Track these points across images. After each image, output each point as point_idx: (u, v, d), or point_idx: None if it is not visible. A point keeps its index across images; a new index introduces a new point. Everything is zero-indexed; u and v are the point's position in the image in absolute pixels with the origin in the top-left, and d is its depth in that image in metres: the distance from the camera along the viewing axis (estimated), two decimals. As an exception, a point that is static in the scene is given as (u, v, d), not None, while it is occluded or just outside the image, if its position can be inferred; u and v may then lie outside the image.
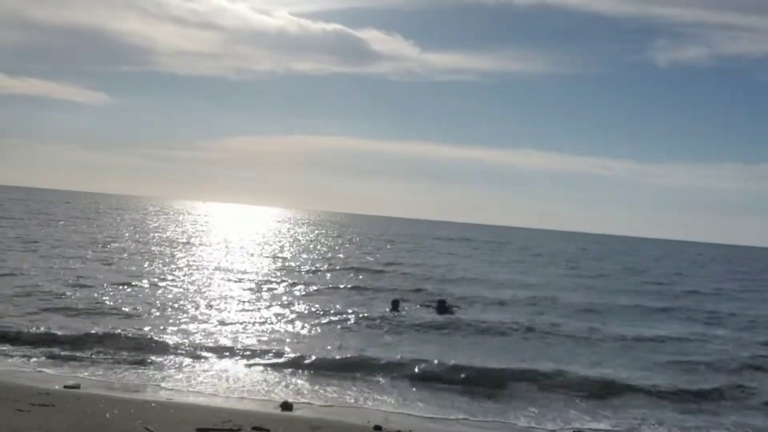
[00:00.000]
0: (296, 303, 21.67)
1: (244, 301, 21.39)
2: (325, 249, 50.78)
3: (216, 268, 30.68)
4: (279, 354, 14.55)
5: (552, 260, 58.18)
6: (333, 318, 19.26)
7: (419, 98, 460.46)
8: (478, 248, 70.35)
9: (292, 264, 35.66)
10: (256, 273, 30.04)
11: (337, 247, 53.47)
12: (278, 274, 30.21)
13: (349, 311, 20.34)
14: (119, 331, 15.60)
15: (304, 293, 24.26)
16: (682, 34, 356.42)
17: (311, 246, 54.40)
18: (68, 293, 19.98)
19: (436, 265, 40.54)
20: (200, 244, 46.19)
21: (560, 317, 22.12)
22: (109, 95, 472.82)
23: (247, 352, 14.55)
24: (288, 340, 16.11)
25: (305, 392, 11.89)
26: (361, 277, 31.03)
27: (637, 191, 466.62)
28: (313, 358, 14.26)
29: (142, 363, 13.16)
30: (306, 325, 18.03)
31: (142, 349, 14.21)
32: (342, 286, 26.68)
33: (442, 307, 20.69)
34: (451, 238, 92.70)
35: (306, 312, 20.00)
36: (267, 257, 39.69)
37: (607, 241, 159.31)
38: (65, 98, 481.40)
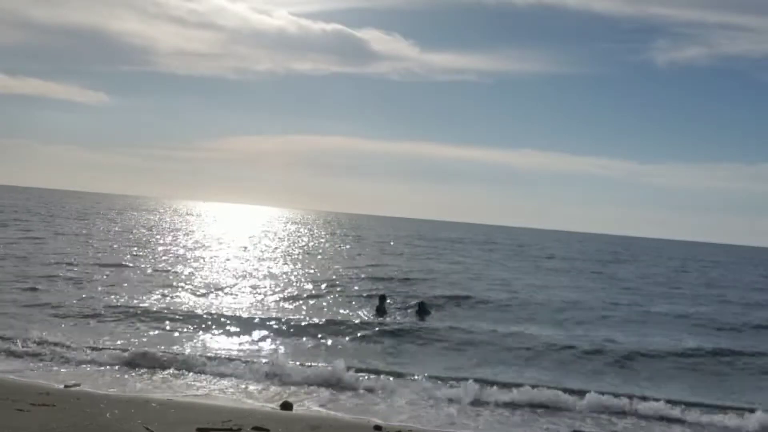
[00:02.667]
0: (307, 304, 21.77)
1: (251, 300, 21.48)
2: (344, 252, 48.23)
3: (229, 268, 30.91)
4: (280, 353, 14.58)
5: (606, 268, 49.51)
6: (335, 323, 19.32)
7: (419, 98, 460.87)
8: (494, 251, 66.28)
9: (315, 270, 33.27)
10: (275, 274, 30.12)
11: (360, 252, 49.16)
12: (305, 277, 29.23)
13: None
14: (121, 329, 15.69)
15: (312, 295, 24.15)
16: (681, 34, 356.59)
17: (329, 248, 51.72)
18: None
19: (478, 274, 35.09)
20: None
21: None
22: (109, 95, 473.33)
23: (248, 351, 14.58)
24: (291, 339, 16.19)
25: (305, 391, 11.89)
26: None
27: (637, 191, 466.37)
28: (313, 357, 14.29)
29: (143, 363, 13.17)
30: (308, 324, 18.11)
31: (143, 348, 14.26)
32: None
33: (423, 310, 20.87)
34: (460, 239, 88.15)
35: (309, 311, 20.08)
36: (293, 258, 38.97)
37: (611, 242, 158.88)
38: (65, 98, 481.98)
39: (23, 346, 13.43)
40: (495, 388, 12.27)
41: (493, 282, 31.03)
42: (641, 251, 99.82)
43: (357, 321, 18.61)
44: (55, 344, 13.68)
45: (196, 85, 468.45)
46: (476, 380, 12.41)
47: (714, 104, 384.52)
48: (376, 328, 17.73)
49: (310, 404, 11.08)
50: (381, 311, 20.38)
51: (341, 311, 20.51)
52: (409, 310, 21.04)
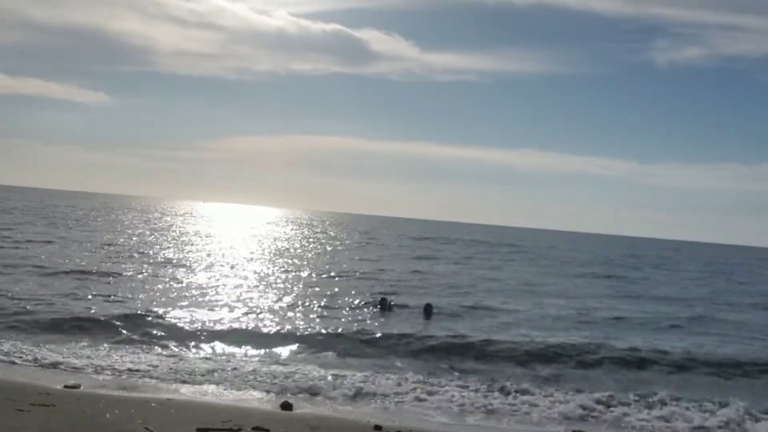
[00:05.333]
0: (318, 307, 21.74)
1: (255, 302, 21.46)
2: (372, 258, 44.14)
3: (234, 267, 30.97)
4: (280, 353, 14.60)
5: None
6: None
7: (419, 98, 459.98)
8: (520, 252, 64.00)
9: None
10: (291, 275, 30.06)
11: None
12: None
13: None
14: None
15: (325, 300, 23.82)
16: (681, 34, 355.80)
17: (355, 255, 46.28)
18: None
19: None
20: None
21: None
22: (109, 95, 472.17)
23: (248, 351, 14.59)
24: (293, 339, 16.21)
25: (305, 391, 11.89)
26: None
27: (637, 191, 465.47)
28: (314, 357, 14.31)
29: (141, 362, 13.17)
30: (311, 323, 18.12)
31: (142, 348, 14.28)
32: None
33: (428, 311, 21.00)
34: (475, 241, 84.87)
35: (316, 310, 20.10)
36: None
37: (614, 242, 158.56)
38: (65, 98, 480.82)
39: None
40: None
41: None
42: (662, 255, 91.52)
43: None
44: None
45: (196, 85, 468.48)
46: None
47: (714, 104, 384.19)
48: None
49: (310, 404, 11.09)
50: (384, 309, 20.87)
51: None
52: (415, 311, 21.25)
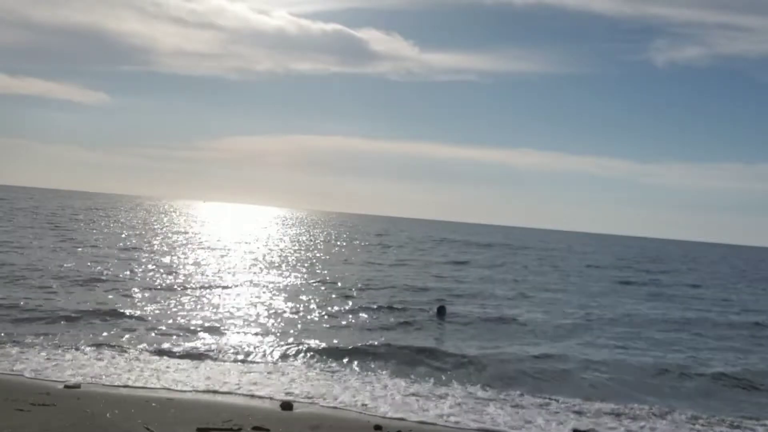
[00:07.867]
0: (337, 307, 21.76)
1: (267, 303, 21.46)
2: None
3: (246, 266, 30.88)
4: (281, 353, 14.59)
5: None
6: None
7: (419, 98, 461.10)
8: (540, 256, 60.73)
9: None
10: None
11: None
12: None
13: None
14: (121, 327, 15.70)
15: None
16: (680, 34, 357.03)
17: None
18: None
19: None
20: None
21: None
22: (109, 95, 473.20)
23: (250, 352, 14.57)
24: (293, 337, 16.20)
25: (306, 391, 11.88)
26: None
27: (637, 191, 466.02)
28: (316, 356, 14.31)
29: (142, 362, 13.16)
30: (323, 322, 18.12)
31: (143, 349, 14.25)
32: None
33: (442, 312, 21.04)
34: (484, 243, 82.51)
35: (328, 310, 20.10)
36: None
37: (616, 242, 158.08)
38: (65, 98, 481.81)
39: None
40: None
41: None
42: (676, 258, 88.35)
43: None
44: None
45: (196, 85, 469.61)
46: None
47: (713, 104, 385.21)
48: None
49: (310, 404, 11.08)
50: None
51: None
52: (430, 312, 21.19)
